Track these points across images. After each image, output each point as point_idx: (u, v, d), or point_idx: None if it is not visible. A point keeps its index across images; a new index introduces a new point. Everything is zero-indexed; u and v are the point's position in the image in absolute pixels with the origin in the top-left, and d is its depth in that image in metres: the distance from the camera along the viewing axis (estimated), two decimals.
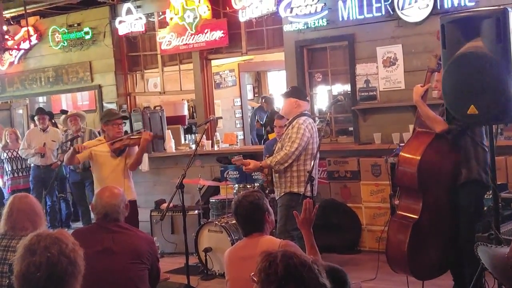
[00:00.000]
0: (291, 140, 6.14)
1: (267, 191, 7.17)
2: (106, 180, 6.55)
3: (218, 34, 9.51)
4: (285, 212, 6.15)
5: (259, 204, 3.98)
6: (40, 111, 10.46)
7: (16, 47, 11.67)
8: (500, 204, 4.39)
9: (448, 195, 5.25)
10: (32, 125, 11.06)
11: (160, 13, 10.22)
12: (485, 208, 6.10)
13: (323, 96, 9.19)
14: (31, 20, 11.37)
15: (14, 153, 10.27)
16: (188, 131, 11.48)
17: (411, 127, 7.75)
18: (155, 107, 11.05)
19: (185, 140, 11.01)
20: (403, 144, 7.50)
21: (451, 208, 5.25)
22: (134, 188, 6.99)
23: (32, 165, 10.17)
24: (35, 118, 10.32)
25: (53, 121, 11.18)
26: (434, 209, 5.21)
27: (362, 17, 8.15)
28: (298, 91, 6.63)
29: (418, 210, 5.16)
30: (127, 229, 4.18)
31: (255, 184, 7.60)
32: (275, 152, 6.31)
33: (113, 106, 10.69)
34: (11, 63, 11.94)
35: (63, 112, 11.89)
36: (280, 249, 3.63)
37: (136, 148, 6.81)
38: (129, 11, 10.26)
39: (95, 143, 6.95)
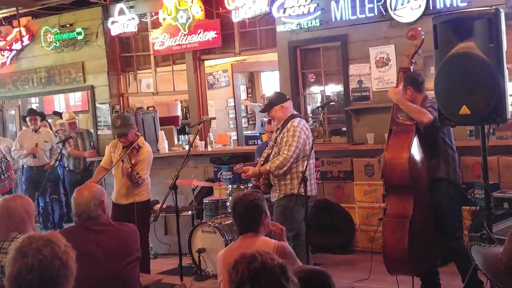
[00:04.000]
0: (288, 144, 6.11)
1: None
2: (120, 181, 6.88)
3: (211, 35, 9.50)
4: (282, 212, 6.14)
5: (258, 204, 3.99)
6: (32, 112, 10.44)
7: (8, 47, 11.63)
8: (492, 204, 4.40)
9: (429, 189, 5.47)
10: (24, 126, 11.03)
11: (153, 14, 10.21)
12: (477, 208, 6.20)
13: (316, 96, 9.19)
14: (23, 20, 11.35)
15: None
16: (181, 131, 11.47)
17: None
18: (148, 107, 11.05)
19: (178, 141, 11.01)
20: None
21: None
22: (148, 188, 7.05)
23: (24, 166, 10.11)
24: (27, 119, 10.29)
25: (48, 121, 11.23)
26: (423, 203, 5.33)
27: (355, 17, 8.16)
28: (276, 97, 6.49)
29: (411, 206, 5.24)
30: (109, 225, 4.10)
31: (249, 185, 7.58)
32: (271, 157, 6.28)
33: (105, 107, 10.67)
34: (3, 64, 11.88)
35: (56, 113, 11.89)
36: (275, 252, 3.68)
37: (143, 162, 6.86)
38: (121, 12, 10.24)
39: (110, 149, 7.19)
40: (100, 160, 7.47)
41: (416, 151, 5.31)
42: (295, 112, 6.48)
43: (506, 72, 4.07)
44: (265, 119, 9.22)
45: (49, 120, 11.66)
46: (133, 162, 6.72)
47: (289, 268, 2.44)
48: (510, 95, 4.27)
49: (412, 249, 5.19)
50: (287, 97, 6.52)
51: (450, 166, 5.47)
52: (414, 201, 5.24)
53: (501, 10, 4.08)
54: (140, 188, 6.90)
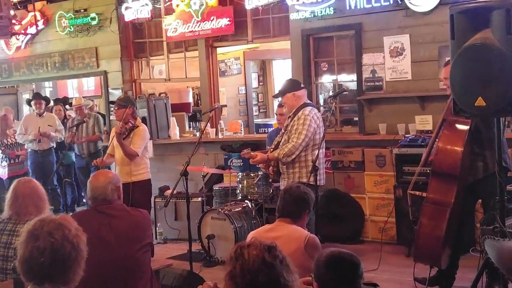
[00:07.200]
0: (297, 132, 6.11)
1: (270, 180, 7.16)
2: (118, 162, 7.16)
3: (224, 22, 9.47)
4: None
5: (307, 199, 4.17)
6: (37, 96, 10.47)
7: (23, 32, 11.67)
8: (506, 197, 4.36)
9: (466, 186, 5.40)
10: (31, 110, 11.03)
11: (166, 0, 10.18)
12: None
13: (328, 85, 9.15)
14: (38, 5, 11.38)
15: (5, 141, 10.05)
16: (193, 118, 11.47)
17: (417, 118, 7.75)
18: (160, 94, 11.05)
19: (189, 127, 11.00)
20: (403, 135, 7.49)
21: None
22: (147, 169, 7.26)
23: (29, 150, 10.10)
24: (32, 102, 10.33)
25: (66, 106, 11.31)
26: (459, 198, 5.30)
27: (369, 6, 8.09)
28: (290, 84, 6.49)
29: (453, 196, 5.24)
30: (123, 210, 4.15)
31: (259, 173, 7.58)
32: (281, 144, 6.26)
33: (118, 92, 10.69)
34: (18, 48, 11.97)
35: (62, 99, 11.92)
36: (306, 241, 3.83)
37: (137, 136, 7.09)
38: None
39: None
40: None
41: (468, 145, 5.27)
42: (308, 101, 6.46)
43: None
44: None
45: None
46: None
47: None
48: None
49: (447, 239, 5.22)
50: (302, 85, 6.50)
51: (505, 154, 5.32)
52: (456, 193, 5.23)
53: None
54: (139, 167, 7.13)
